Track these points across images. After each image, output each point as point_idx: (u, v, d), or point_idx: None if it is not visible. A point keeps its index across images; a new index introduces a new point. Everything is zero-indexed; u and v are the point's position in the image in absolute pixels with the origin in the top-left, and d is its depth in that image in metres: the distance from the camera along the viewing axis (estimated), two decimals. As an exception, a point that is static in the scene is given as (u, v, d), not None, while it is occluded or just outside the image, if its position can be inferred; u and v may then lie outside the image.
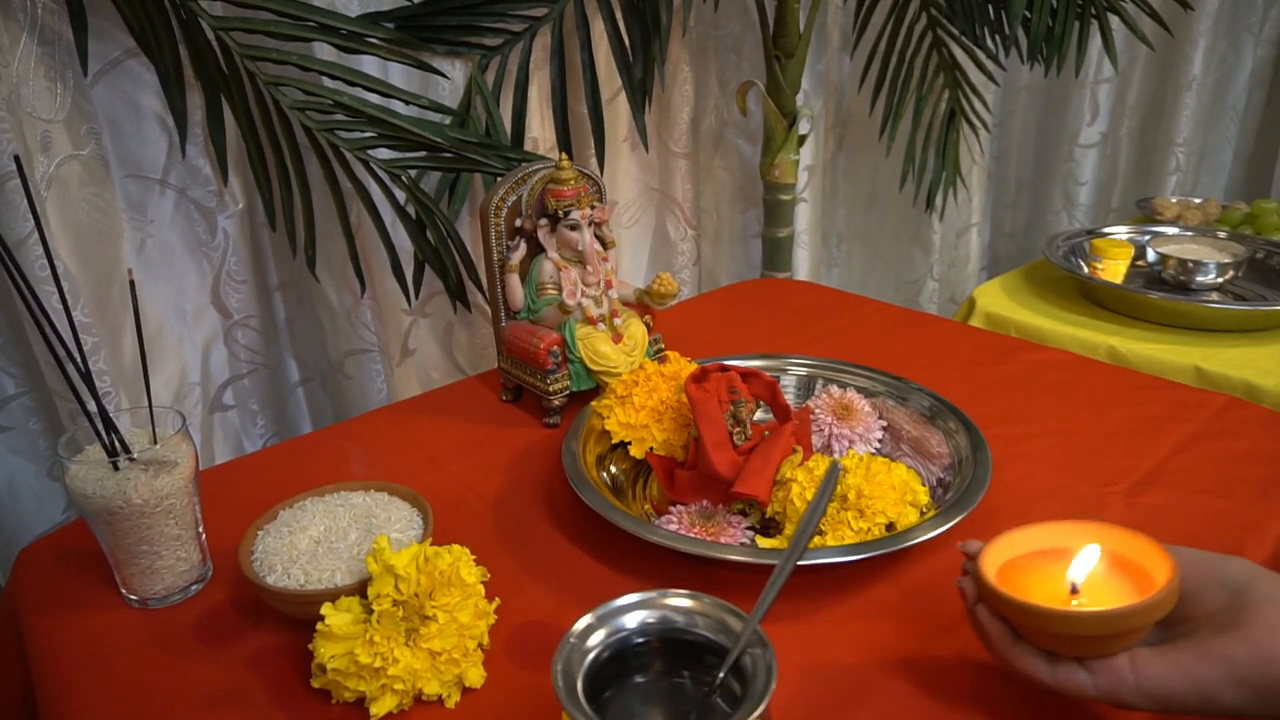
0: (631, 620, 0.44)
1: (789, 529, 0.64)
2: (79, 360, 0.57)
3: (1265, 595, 0.41)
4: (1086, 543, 0.47)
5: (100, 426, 0.57)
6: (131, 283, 0.56)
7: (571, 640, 0.42)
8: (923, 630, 0.56)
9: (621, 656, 0.44)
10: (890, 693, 0.51)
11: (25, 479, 0.93)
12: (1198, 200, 1.37)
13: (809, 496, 0.63)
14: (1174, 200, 1.38)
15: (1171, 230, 1.20)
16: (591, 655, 0.43)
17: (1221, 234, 1.18)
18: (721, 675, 0.42)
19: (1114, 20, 1.24)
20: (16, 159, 0.54)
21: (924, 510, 0.64)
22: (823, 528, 0.62)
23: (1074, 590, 0.46)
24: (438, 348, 1.11)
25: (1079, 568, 0.46)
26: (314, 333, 1.05)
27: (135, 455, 0.58)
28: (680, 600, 0.45)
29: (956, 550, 0.63)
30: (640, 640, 0.45)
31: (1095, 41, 1.52)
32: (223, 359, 0.98)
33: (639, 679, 0.46)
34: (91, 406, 0.56)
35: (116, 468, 0.57)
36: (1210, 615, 0.42)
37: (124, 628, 0.59)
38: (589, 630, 0.43)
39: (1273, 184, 1.70)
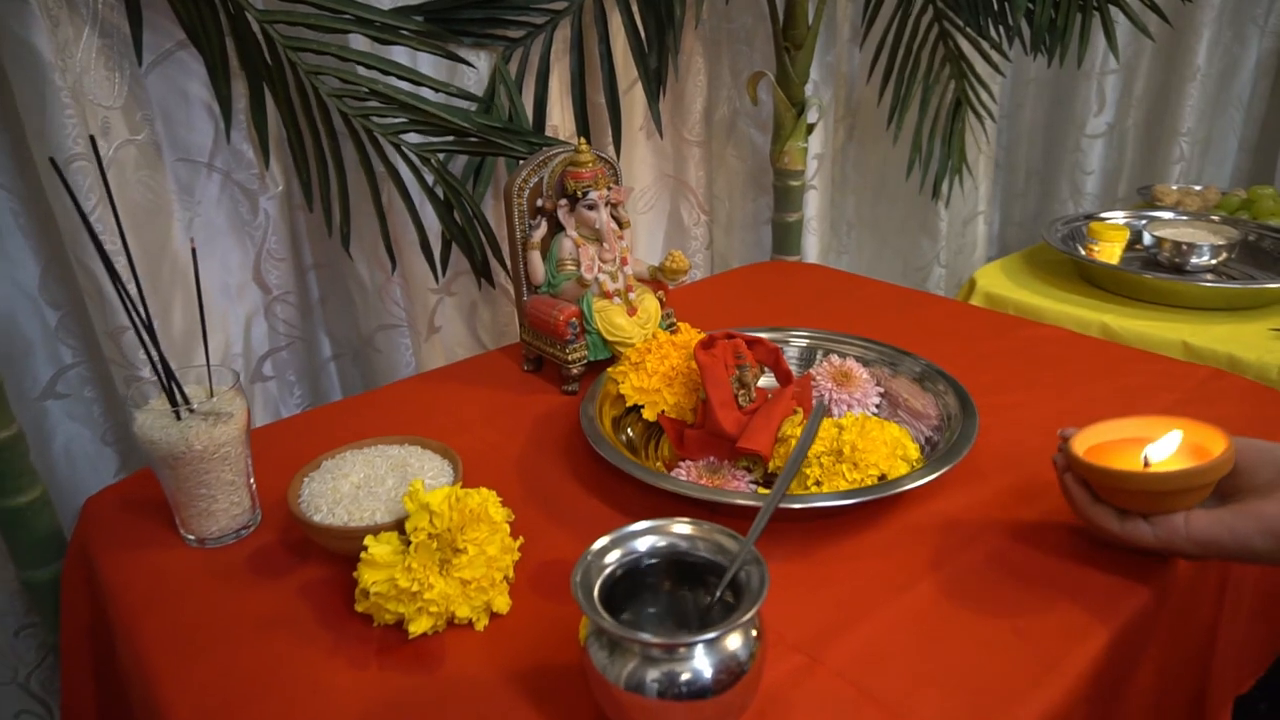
0: (642, 544, 0.50)
1: (789, 481, 0.69)
2: (144, 317, 0.63)
3: None
4: (1164, 432, 0.57)
5: (165, 380, 0.63)
6: (194, 250, 0.63)
7: (590, 556, 0.48)
8: (910, 569, 0.61)
9: (633, 575, 0.50)
10: (878, 621, 0.56)
11: (81, 444, 0.99)
12: (1198, 188, 1.41)
13: (810, 452, 0.68)
14: (1174, 188, 1.42)
15: (1168, 215, 1.25)
16: (607, 571, 0.48)
17: (1215, 218, 1.22)
18: (721, 589, 0.48)
19: (1117, 12, 1.28)
20: (91, 139, 0.60)
21: (914, 465, 0.69)
22: (820, 479, 0.67)
23: (1146, 464, 0.56)
24: (462, 325, 1.17)
25: (1154, 449, 0.57)
26: (346, 309, 1.11)
27: (195, 407, 0.64)
28: (684, 527, 0.51)
29: (943, 499, 0.69)
30: (650, 562, 0.50)
31: (1101, 32, 1.56)
32: (263, 332, 1.04)
33: (649, 597, 0.51)
34: (154, 367, 0.62)
35: (179, 417, 0.64)
36: (1259, 488, 0.53)
37: (184, 563, 0.66)
38: (605, 550, 0.49)
39: (1277, 172, 1.73)
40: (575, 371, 0.88)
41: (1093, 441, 0.59)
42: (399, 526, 0.60)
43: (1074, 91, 1.83)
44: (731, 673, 0.44)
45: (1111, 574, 0.59)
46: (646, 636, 0.43)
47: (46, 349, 0.94)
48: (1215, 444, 0.54)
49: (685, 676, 0.44)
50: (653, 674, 0.44)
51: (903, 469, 0.67)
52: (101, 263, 0.58)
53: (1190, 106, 1.72)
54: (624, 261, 0.89)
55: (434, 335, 1.14)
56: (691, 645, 0.43)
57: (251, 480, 0.69)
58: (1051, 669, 0.52)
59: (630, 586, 0.50)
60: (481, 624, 0.58)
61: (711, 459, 0.73)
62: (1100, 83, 1.79)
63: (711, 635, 0.43)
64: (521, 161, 0.88)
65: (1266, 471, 0.53)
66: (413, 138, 0.95)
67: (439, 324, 1.14)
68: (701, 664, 0.44)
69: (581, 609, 0.44)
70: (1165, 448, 0.56)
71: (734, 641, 0.45)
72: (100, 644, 0.71)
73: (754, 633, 0.46)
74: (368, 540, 0.57)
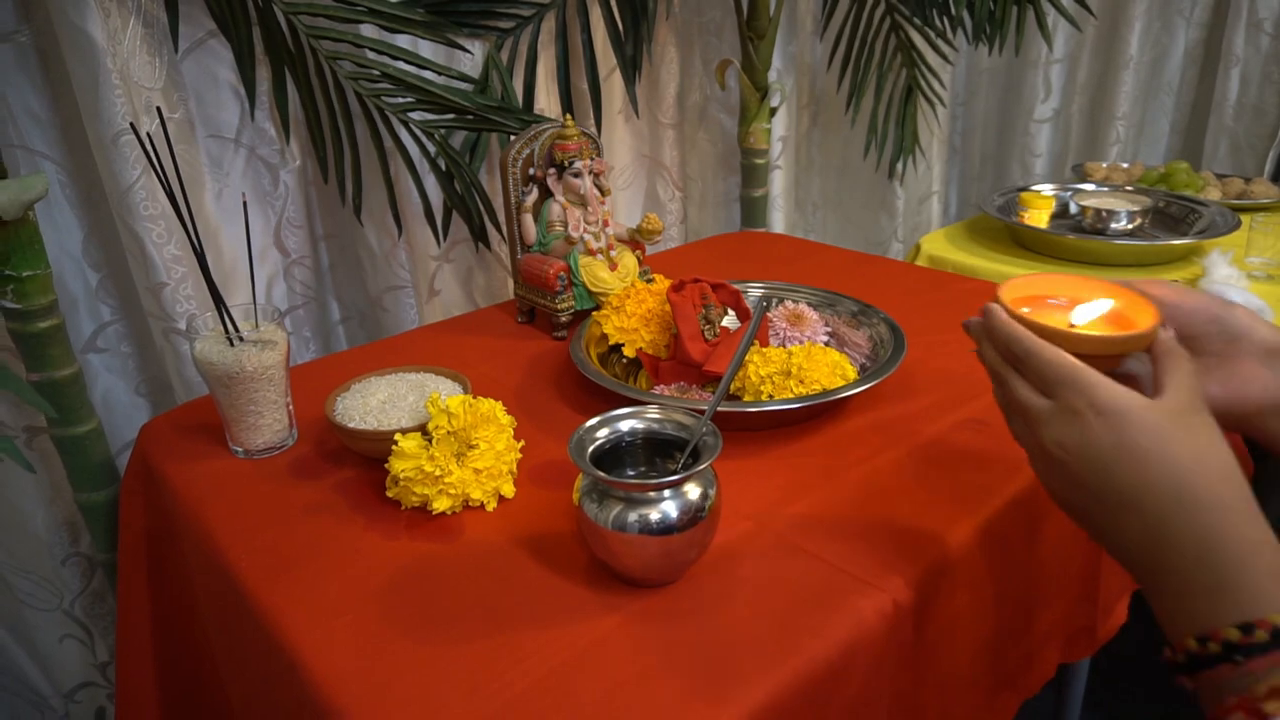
0: (624, 425, 0.63)
1: (746, 398, 0.82)
2: (202, 258, 0.75)
3: (1256, 349, 0.51)
4: (1097, 296, 0.54)
5: (223, 313, 0.75)
6: (245, 203, 0.75)
7: (582, 430, 0.60)
8: (844, 462, 0.74)
9: (617, 450, 0.62)
10: (813, 498, 0.69)
11: (117, 394, 1.10)
12: (1125, 164, 1.56)
13: (764, 373, 0.81)
14: (1104, 165, 1.56)
15: (1091, 187, 1.39)
16: (596, 444, 0.61)
17: (1130, 188, 1.37)
18: (686, 455, 0.60)
19: (1048, 5, 1.41)
20: (158, 109, 0.72)
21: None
22: (772, 394, 0.80)
23: (1071, 326, 0.52)
24: (459, 289, 1.29)
25: (1081, 314, 0.53)
26: (354, 275, 1.23)
27: (245, 335, 0.76)
28: (655, 412, 0.63)
29: (876, 412, 0.81)
30: (629, 440, 0.63)
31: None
32: (282, 292, 1.16)
33: (629, 466, 0.64)
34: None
35: (232, 344, 0.76)
36: (1210, 353, 0.52)
37: (236, 469, 0.77)
38: (595, 427, 0.61)
39: (1204, 152, 1.88)
40: (564, 319, 1.00)
41: (1023, 293, 0.55)
42: (421, 430, 0.72)
43: (1023, 80, 1.98)
44: (692, 516, 0.57)
45: (1007, 457, 0.72)
46: (626, 480, 0.55)
47: (88, 307, 1.05)
48: (1143, 317, 0.51)
49: (656, 516, 0.56)
50: (632, 516, 0.56)
51: (842, 385, 0.80)
52: (175, 213, 0.70)
53: (1125, 92, 1.87)
54: (605, 223, 1.02)
55: (434, 298, 1.26)
56: (661, 488, 0.56)
57: (290, 402, 0.81)
58: (953, 524, 0.65)
59: (615, 459, 0.62)
60: (491, 505, 0.70)
61: (682, 383, 0.86)
62: (1046, 72, 1.94)
63: (677, 478, 0.55)
64: (514, 136, 1.01)
65: (1214, 340, 0.52)
66: (418, 115, 1.07)
67: (438, 288, 1.26)
68: (669, 507, 0.56)
69: (576, 465, 0.57)
70: (1091, 312, 0.54)
71: (694, 492, 0.58)
72: (155, 541, 0.83)
73: (711, 490, 0.59)
74: (397, 436, 0.69)
